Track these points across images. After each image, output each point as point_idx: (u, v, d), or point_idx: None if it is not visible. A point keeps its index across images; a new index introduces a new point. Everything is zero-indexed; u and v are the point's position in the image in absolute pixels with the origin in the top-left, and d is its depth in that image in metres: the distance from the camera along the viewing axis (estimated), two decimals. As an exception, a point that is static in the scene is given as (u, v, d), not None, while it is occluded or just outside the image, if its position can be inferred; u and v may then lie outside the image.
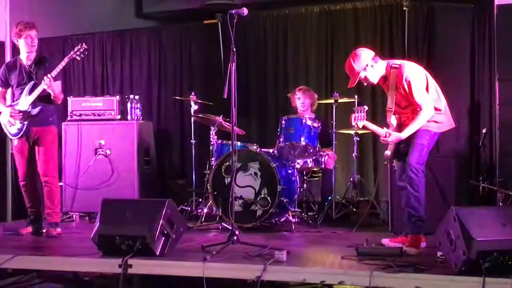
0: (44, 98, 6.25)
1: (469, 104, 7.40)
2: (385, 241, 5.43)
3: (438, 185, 5.87)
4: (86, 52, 6.49)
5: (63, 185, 7.49)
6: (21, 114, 6.24)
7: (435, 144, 5.37)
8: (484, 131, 7.04)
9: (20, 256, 5.06)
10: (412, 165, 5.15)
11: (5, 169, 8.06)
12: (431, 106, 5.20)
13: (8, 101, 6.53)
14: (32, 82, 6.25)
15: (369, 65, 5.28)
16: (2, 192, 8.02)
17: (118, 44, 8.80)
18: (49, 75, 6.11)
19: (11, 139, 6.49)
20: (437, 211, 5.14)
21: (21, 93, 6.30)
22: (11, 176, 8.02)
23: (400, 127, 5.31)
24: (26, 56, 6.34)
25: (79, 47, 6.37)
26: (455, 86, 7.17)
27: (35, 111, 6.24)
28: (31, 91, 6.23)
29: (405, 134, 5.23)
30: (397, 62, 5.36)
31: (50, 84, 6.12)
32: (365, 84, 5.44)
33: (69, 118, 7.70)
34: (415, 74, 5.24)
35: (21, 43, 6.31)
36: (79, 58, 6.47)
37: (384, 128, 5.30)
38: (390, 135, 5.24)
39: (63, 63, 6.23)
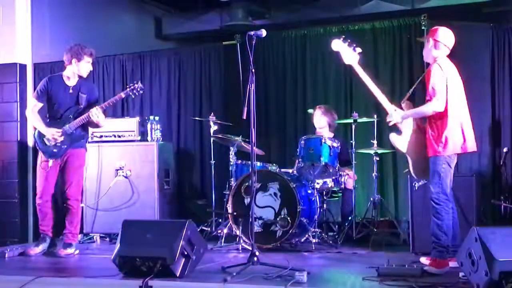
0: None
1: (490, 123, 7.34)
2: (423, 259, 5.40)
3: (460, 205, 5.82)
4: (142, 91, 6.57)
5: (84, 206, 7.54)
6: (63, 136, 6.36)
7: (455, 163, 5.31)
8: (505, 150, 6.98)
9: (41, 278, 5.08)
10: (432, 196, 5.13)
11: (27, 191, 8.13)
12: (442, 102, 5.11)
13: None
14: (79, 107, 6.40)
15: (441, 46, 5.28)
16: (24, 214, 8.08)
17: (138, 66, 8.84)
18: (98, 108, 6.26)
19: (44, 159, 6.51)
20: (459, 231, 5.10)
21: (63, 114, 6.41)
22: (32, 198, 8.08)
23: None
24: (71, 76, 6.45)
25: (137, 85, 6.45)
26: (475, 105, 7.10)
27: (71, 131, 6.36)
28: (77, 116, 6.37)
29: (407, 113, 5.25)
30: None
31: (98, 116, 6.27)
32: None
33: (89, 139, 7.73)
34: (440, 69, 5.19)
35: (79, 66, 6.43)
36: (134, 96, 6.60)
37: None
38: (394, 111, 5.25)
39: (117, 98, 6.41)
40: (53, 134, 6.34)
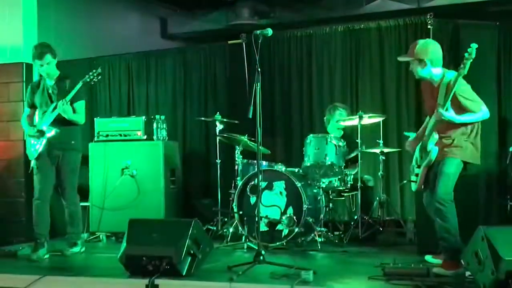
0: (64, 121, 6.28)
1: (496, 122, 7.32)
2: (429, 257, 5.42)
3: (466, 204, 5.81)
4: (100, 77, 6.44)
5: (89, 205, 7.56)
6: (38, 133, 6.31)
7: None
8: (511, 149, 6.96)
9: (48, 277, 5.10)
10: (439, 197, 5.05)
11: (33, 190, 8.14)
12: (487, 111, 5.12)
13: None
14: (54, 104, 6.29)
15: (427, 62, 5.18)
16: (30, 213, 8.08)
17: (143, 65, 8.87)
18: (63, 101, 6.16)
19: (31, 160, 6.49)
20: (465, 231, 5.09)
21: (43, 113, 6.35)
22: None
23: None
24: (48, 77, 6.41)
25: (94, 70, 6.37)
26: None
27: (51, 133, 6.28)
28: (51, 112, 6.30)
29: (460, 118, 5.06)
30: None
31: (64, 109, 6.17)
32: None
33: (95, 138, 7.75)
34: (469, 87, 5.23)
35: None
36: (92, 83, 6.47)
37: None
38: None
39: (77, 87, 6.22)
40: (29, 134, 6.43)
